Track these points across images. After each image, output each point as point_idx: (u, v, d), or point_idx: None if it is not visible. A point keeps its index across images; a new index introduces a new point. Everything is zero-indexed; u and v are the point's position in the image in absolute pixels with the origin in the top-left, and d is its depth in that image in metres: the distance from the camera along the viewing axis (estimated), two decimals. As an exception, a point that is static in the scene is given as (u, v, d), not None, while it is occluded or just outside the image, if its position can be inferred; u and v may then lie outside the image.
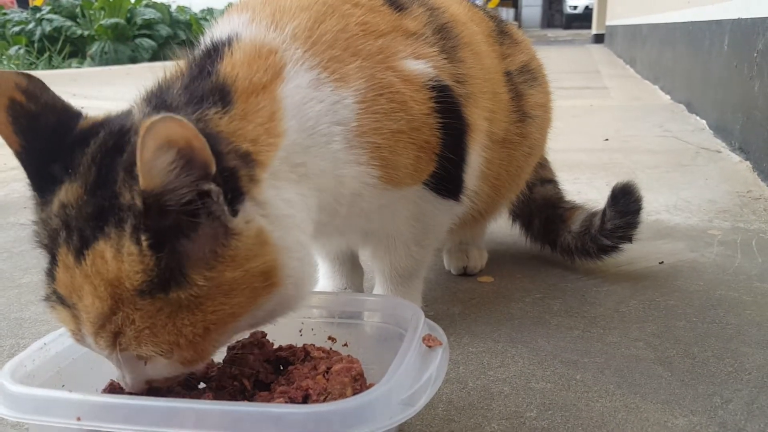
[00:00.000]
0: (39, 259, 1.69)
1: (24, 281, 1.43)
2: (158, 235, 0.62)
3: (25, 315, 1.25)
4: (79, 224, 0.64)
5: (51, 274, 0.66)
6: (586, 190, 1.98)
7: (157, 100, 0.74)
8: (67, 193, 0.65)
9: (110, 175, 0.64)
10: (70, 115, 0.71)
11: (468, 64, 1.02)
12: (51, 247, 0.66)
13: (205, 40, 0.85)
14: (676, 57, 3.87)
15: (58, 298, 0.66)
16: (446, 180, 0.98)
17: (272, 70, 0.79)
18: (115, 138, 0.67)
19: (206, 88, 0.74)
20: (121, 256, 0.62)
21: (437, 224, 1.05)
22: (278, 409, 0.63)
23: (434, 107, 0.92)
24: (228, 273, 0.65)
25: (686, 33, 3.56)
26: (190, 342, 0.65)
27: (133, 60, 8.44)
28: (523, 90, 1.22)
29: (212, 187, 0.63)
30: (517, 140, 1.18)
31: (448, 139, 0.94)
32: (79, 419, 0.63)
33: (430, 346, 0.74)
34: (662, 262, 1.41)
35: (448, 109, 0.94)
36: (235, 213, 0.66)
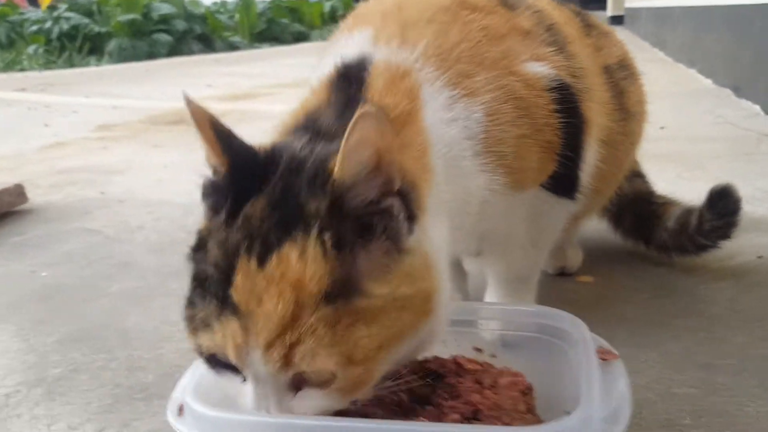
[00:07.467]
0: (119, 268, 1.64)
1: (113, 290, 1.42)
2: (340, 237, 0.62)
3: (127, 325, 1.24)
4: (263, 232, 0.63)
5: (222, 286, 0.62)
6: (657, 182, 1.94)
7: (314, 127, 0.73)
8: (252, 206, 0.64)
9: (294, 189, 0.64)
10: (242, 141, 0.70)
11: (580, 58, 1.01)
12: (226, 261, 0.63)
13: (329, 61, 0.84)
14: (718, 40, 3.80)
15: (227, 308, 0.62)
16: (562, 178, 0.96)
17: (411, 95, 0.79)
18: (298, 160, 0.67)
19: None
20: (306, 257, 0.61)
21: (553, 224, 1.04)
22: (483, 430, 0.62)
23: (556, 108, 0.91)
24: (404, 288, 0.65)
25: (730, 16, 3.50)
26: (363, 358, 0.63)
27: (151, 55, 8.40)
28: (625, 87, 1.19)
29: (395, 202, 0.64)
30: (620, 139, 1.16)
31: (567, 137, 0.93)
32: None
33: (604, 359, 0.73)
34: (761, 256, 1.39)
35: (568, 107, 0.93)
36: (411, 231, 0.66)
